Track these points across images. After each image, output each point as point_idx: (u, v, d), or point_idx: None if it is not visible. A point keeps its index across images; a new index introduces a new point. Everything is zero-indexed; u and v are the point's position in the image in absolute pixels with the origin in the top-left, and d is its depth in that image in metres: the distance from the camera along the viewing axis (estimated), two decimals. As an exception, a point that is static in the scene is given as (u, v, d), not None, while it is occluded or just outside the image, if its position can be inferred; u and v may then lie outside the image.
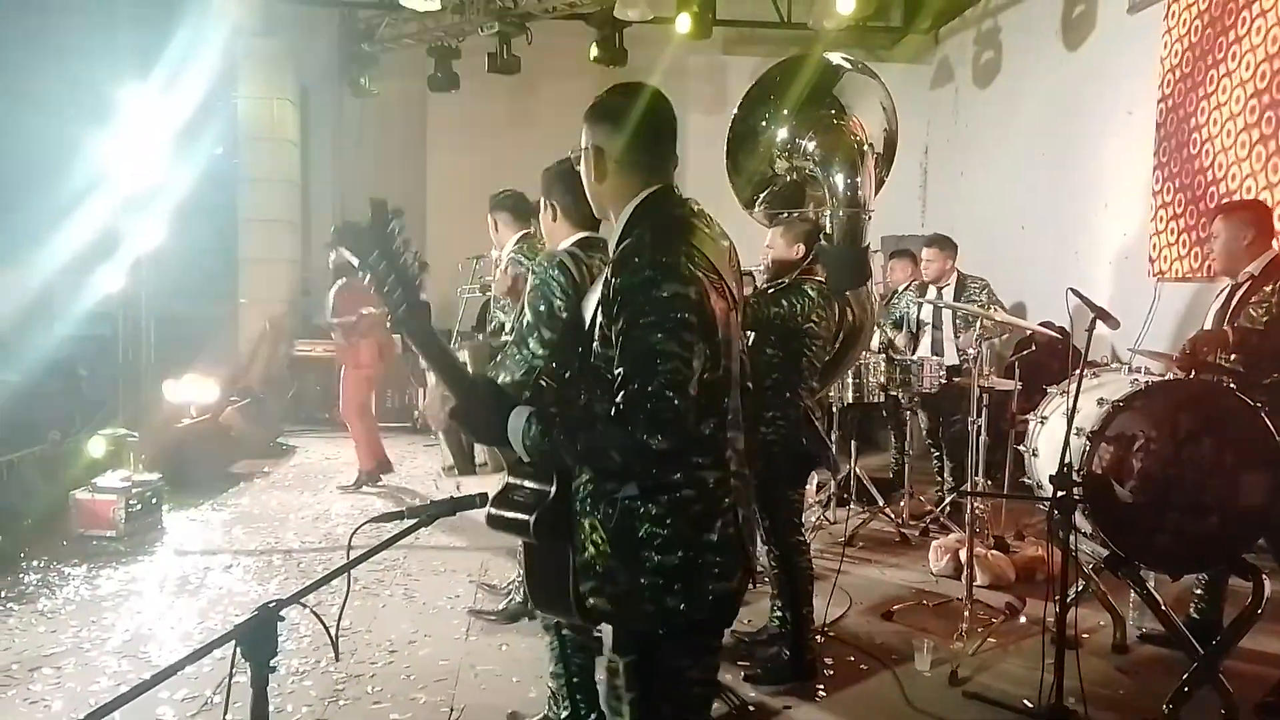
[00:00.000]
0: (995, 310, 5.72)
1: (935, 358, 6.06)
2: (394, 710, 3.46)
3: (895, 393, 5.93)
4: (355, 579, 1.74)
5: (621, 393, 1.70)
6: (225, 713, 1.65)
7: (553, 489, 1.86)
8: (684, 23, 8.92)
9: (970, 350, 5.14)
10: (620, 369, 1.72)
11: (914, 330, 6.45)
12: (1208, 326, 3.89)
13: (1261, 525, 3.33)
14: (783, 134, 4.09)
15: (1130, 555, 3.38)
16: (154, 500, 5.76)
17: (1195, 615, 3.93)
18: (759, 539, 3.83)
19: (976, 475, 4.92)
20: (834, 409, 5.77)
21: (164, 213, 7.08)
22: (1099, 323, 3.40)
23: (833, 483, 6.12)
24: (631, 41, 9.59)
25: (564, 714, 3.05)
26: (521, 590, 4.17)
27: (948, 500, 5.88)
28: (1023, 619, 4.20)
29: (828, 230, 3.94)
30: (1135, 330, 4.81)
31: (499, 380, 2.67)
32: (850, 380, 5.66)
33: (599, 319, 1.81)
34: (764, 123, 4.14)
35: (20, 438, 5.83)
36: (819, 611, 3.91)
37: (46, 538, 5.39)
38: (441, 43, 10.09)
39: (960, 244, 6.43)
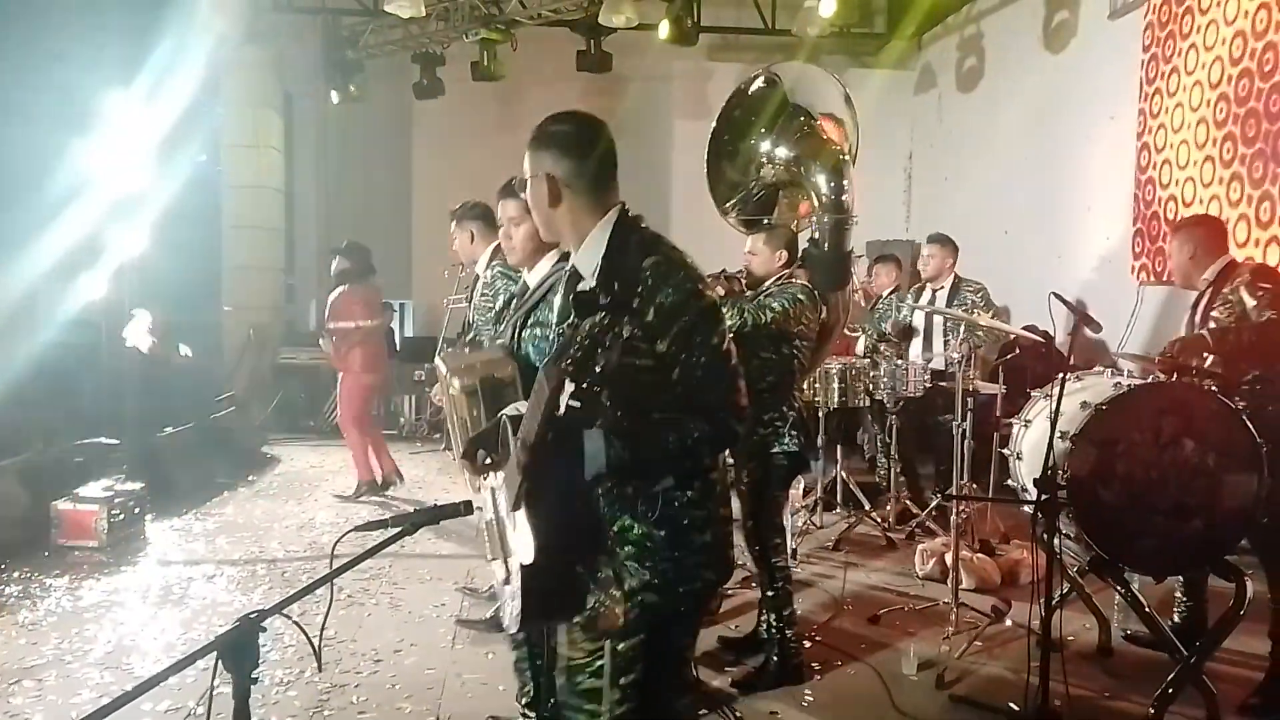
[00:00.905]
0: (978, 314, 5.74)
1: (920, 362, 6.07)
2: (379, 720, 3.45)
3: (880, 397, 5.95)
4: (340, 588, 1.73)
5: (705, 394, 1.89)
6: (207, 724, 1.64)
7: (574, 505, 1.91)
8: (664, 29, 8.93)
9: (955, 354, 5.16)
10: (692, 376, 1.88)
11: (911, 334, 6.42)
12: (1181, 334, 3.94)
13: (1243, 526, 3.36)
14: (764, 146, 4.11)
15: (1114, 557, 3.40)
16: (136, 510, 5.72)
17: (1177, 620, 3.96)
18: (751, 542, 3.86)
19: (961, 479, 4.94)
20: (819, 413, 5.78)
21: (148, 220, 7.05)
22: (1082, 326, 3.43)
23: (819, 487, 6.13)
24: (616, 48, 9.61)
25: (527, 700, 3.06)
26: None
27: (932, 504, 5.90)
28: (1008, 622, 4.21)
29: (812, 235, 3.97)
30: (1118, 334, 4.86)
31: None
32: (836, 384, 5.68)
33: (628, 333, 1.83)
34: (742, 141, 4.15)
35: (1, 447, 5.78)
36: (806, 616, 3.91)
37: (27, 548, 5.34)
38: (426, 49, 10.09)
39: (944, 249, 6.45)
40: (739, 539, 3.63)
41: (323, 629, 1.83)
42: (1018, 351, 5.83)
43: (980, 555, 4.94)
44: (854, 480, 6.24)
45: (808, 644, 3.99)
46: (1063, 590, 3.84)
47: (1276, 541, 3.51)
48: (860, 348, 6.74)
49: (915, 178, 10.77)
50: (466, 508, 1.91)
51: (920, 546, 5.19)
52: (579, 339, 1.70)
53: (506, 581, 2.07)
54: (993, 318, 5.63)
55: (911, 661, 3.81)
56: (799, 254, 3.92)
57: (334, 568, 1.71)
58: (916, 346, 6.31)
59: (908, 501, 6.08)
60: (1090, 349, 5.86)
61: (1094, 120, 7.25)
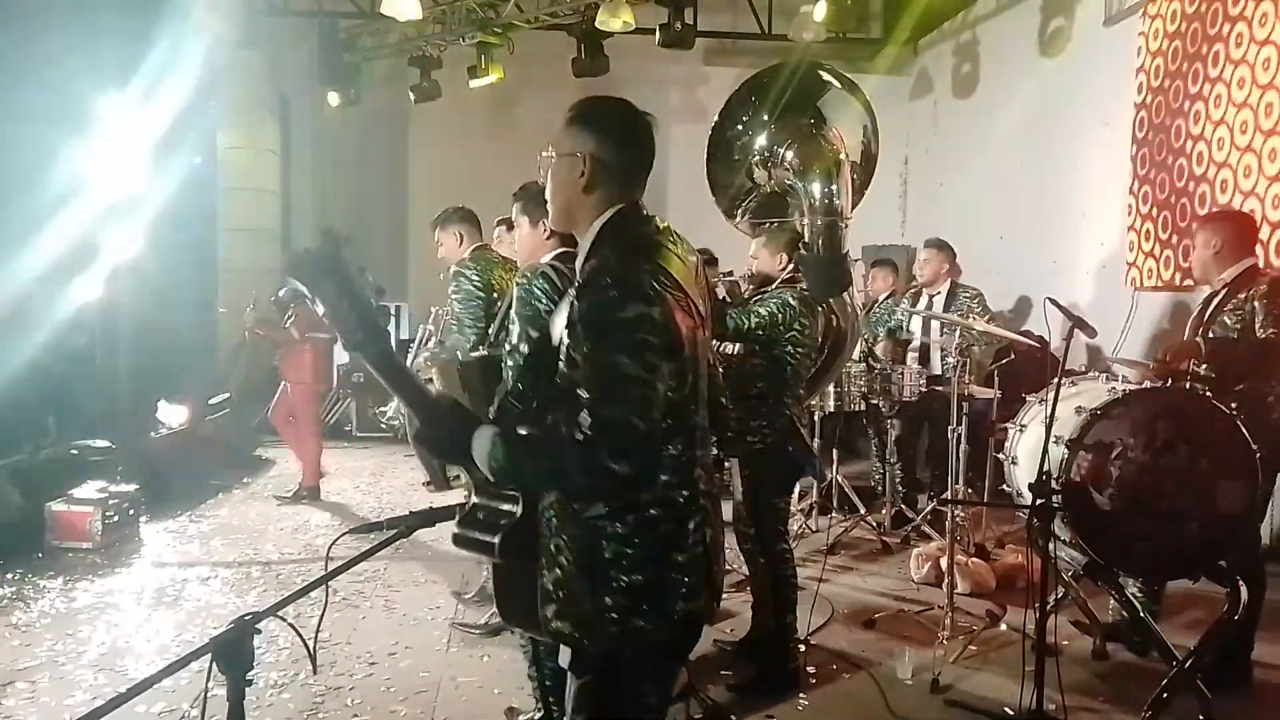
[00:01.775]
0: (974, 320, 5.75)
1: (916, 366, 6.08)
2: (374, 723, 3.44)
3: (876, 401, 5.95)
4: (334, 591, 1.73)
5: (586, 416, 1.67)
6: (202, 726, 1.63)
7: (518, 509, 1.84)
8: (661, 33, 8.94)
9: (950, 359, 5.17)
10: (585, 392, 1.69)
11: (909, 339, 6.42)
12: (1185, 335, 3.94)
13: (1238, 531, 3.37)
14: (762, 141, 4.12)
15: (1109, 562, 3.41)
16: (131, 512, 5.70)
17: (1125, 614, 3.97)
18: (746, 547, 3.86)
19: (957, 483, 4.95)
20: (816, 417, 5.78)
21: (142, 222, 7.04)
22: (1077, 331, 3.44)
23: (815, 491, 6.13)
24: (612, 52, 9.61)
25: (537, 717, 3.05)
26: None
27: (928, 508, 5.90)
28: (1003, 626, 4.22)
29: (806, 239, 3.97)
30: (1113, 339, 4.87)
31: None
32: (831, 389, 5.68)
33: (565, 341, 1.79)
34: (744, 128, 4.17)
35: (-5, 448, 5.76)
36: (801, 621, 3.91)
37: (21, 550, 5.31)
38: (423, 52, 10.09)
39: (941, 254, 6.46)
40: (734, 542, 3.64)
41: (318, 631, 1.82)
42: (1013, 356, 5.83)
43: (975, 560, 4.94)
44: (849, 484, 6.25)
45: (803, 649, 3.99)
46: (1058, 595, 3.85)
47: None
48: (856, 352, 6.75)
49: (911, 183, 10.79)
50: (461, 510, 1.91)
51: (915, 551, 5.20)
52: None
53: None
54: (989, 323, 5.63)
55: (907, 666, 3.81)
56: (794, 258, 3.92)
57: (329, 570, 1.71)
58: (913, 358, 6.31)
59: (902, 505, 6.09)
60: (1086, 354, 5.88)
61: (1089, 126, 7.28)
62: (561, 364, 1.80)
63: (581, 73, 9.59)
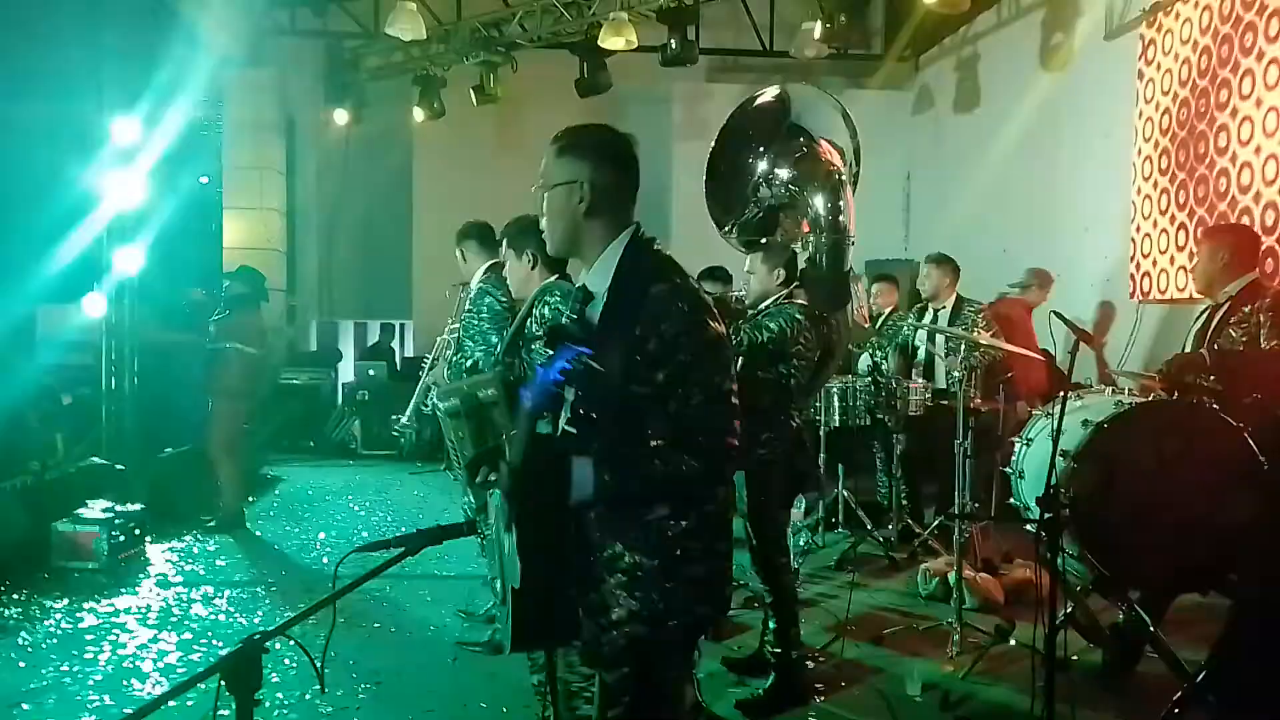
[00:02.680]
0: (979, 334, 5.74)
1: (922, 380, 6.07)
2: (381, 742, 3.43)
3: (882, 416, 5.94)
4: (341, 609, 1.73)
5: (699, 430, 1.84)
6: (210, 747, 1.63)
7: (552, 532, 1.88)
8: (664, 51, 8.99)
9: (956, 373, 5.15)
10: (688, 407, 1.84)
11: (912, 354, 6.41)
12: (1187, 348, 3.93)
13: (1248, 544, 3.35)
14: (762, 166, 4.13)
15: (1117, 576, 3.39)
16: (137, 531, 5.69)
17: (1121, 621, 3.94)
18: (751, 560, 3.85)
19: (964, 498, 4.92)
20: (821, 433, 5.77)
21: (148, 241, 7.07)
22: (1082, 344, 3.44)
23: (821, 506, 6.12)
24: (615, 70, 9.67)
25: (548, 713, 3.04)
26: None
27: (935, 523, 5.88)
28: (1012, 641, 4.19)
29: (811, 255, 3.98)
30: (1118, 352, 4.87)
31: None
32: (837, 404, 5.68)
33: (627, 360, 1.84)
34: (742, 157, 4.18)
35: (1, 468, 5.76)
36: (809, 637, 3.90)
37: (27, 570, 5.30)
38: (427, 72, 10.16)
39: (943, 269, 6.45)
40: (743, 560, 3.63)
41: (324, 650, 1.82)
42: (1010, 374, 5.81)
43: (983, 575, 4.92)
44: (856, 499, 6.23)
45: (811, 665, 3.97)
46: (1067, 609, 3.82)
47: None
48: (862, 366, 6.74)
49: (914, 198, 10.81)
50: (469, 528, 1.91)
51: (923, 566, 5.17)
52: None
53: (504, 602, 2.06)
54: (994, 337, 5.62)
55: (915, 682, 3.79)
56: (798, 274, 3.94)
57: (336, 589, 1.71)
58: (918, 372, 6.30)
59: (909, 520, 6.07)
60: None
61: (1090, 139, 7.29)
62: (635, 384, 1.85)
63: (585, 91, 9.65)
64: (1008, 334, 5.70)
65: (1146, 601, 3.90)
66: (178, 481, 6.94)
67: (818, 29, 8.47)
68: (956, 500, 4.89)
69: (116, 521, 5.51)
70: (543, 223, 2.05)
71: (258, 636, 1.56)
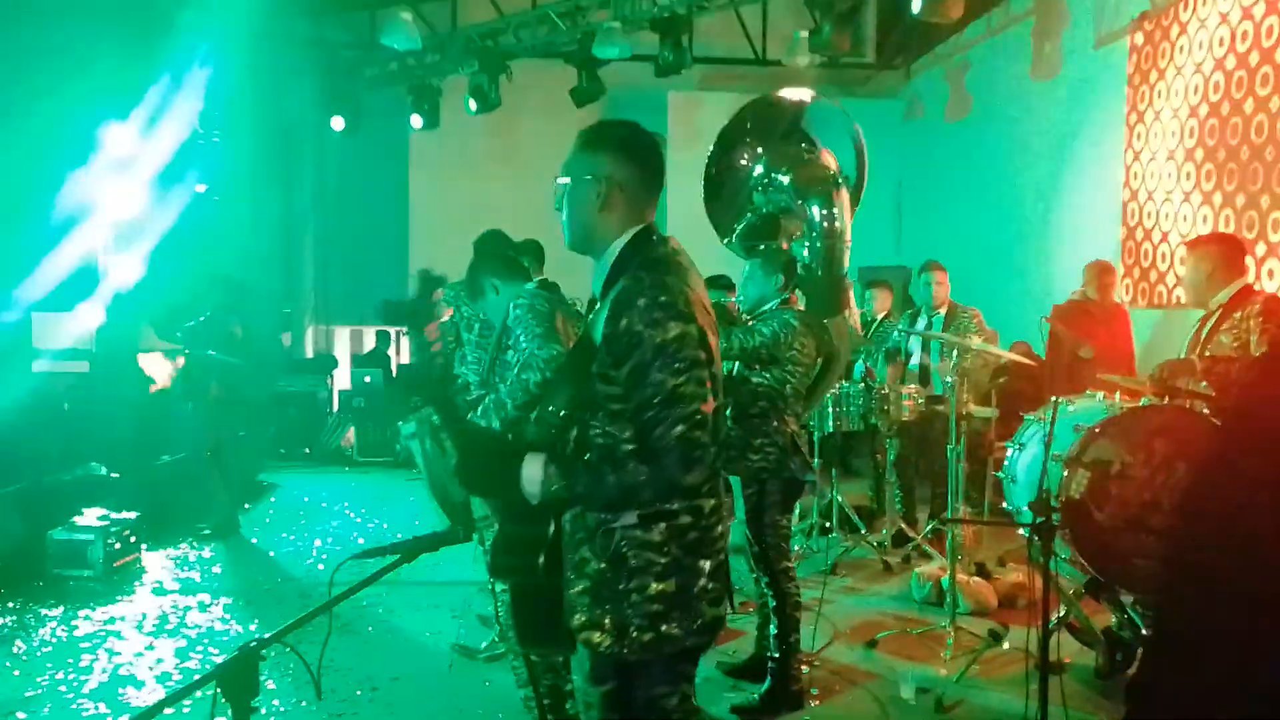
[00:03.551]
0: (971, 339, 5.76)
1: (915, 386, 6.08)
2: (377, 749, 3.44)
3: (875, 421, 5.95)
4: (337, 616, 1.74)
5: (652, 434, 1.75)
6: (207, 753, 1.64)
7: (551, 529, 1.87)
8: (658, 59, 9.03)
9: (949, 378, 5.18)
10: (644, 411, 1.76)
11: (907, 359, 6.42)
12: (1182, 355, 3.96)
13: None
14: (759, 170, 4.16)
15: (1109, 580, 3.42)
16: (132, 539, 5.69)
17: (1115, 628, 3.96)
18: (748, 566, 3.87)
19: (957, 502, 4.95)
20: (814, 438, 5.79)
21: (145, 249, 7.07)
22: (1074, 350, 3.47)
23: (815, 511, 6.13)
24: (610, 79, 9.71)
25: None
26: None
27: (928, 527, 5.90)
28: (1006, 645, 4.21)
29: (806, 260, 4.01)
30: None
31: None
32: (830, 409, 5.69)
33: (598, 359, 1.83)
34: (740, 161, 4.21)
35: (-3, 476, 5.77)
36: (804, 641, 3.91)
37: (23, 578, 5.31)
38: (423, 81, 10.19)
39: (934, 275, 6.48)
40: (738, 565, 3.64)
41: (321, 657, 1.83)
42: (1005, 378, 5.84)
43: (976, 579, 4.94)
44: (849, 504, 6.24)
45: (806, 669, 3.98)
46: (1060, 613, 3.85)
47: None
48: (856, 372, 6.76)
49: (905, 205, 10.86)
50: (465, 534, 1.92)
51: (917, 570, 5.19)
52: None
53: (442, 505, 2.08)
54: (986, 342, 5.65)
55: (910, 686, 3.80)
56: (794, 278, 3.95)
57: (332, 596, 1.72)
58: (912, 377, 6.31)
59: (903, 525, 6.09)
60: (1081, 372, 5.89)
61: (1080, 146, 7.34)
62: (598, 381, 1.83)
63: (580, 100, 9.68)
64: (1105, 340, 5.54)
65: (1139, 604, 3.94)
66: (173, 489, 6.94)
67: (809, 38, 8.50)
68: (950, 504, 4.92)
69: (112, 529, 5.52)
70: (561, 215, 2.01)
71: (254, 644, 1.57)
